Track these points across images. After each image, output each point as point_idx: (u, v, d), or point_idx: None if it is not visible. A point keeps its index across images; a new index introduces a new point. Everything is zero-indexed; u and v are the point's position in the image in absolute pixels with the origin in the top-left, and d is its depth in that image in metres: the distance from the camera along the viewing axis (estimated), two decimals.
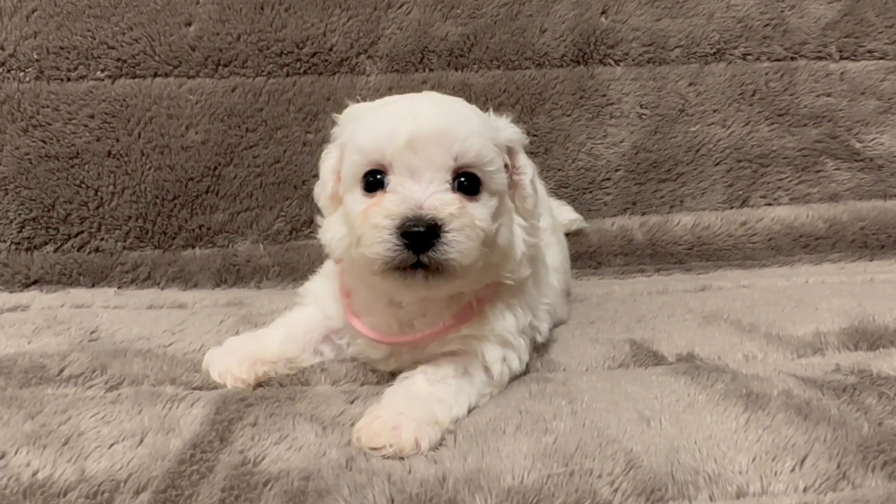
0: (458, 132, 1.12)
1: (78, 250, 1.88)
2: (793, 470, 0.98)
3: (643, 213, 2.06)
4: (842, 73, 2.11)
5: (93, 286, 1.86)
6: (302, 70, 1.95)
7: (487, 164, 1.15)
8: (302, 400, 1.19)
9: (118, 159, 1.89)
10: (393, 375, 1.24)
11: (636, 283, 1.89)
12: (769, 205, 2.09)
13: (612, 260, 2.00)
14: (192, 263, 1.91)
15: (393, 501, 0.92)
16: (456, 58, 2.00)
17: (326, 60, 1.96)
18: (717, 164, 2.08)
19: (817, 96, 2.11)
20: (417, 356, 1.24)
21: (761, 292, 1.72)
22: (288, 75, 1.95)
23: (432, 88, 1.98)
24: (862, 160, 2.12)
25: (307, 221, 1.96)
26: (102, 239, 1.89)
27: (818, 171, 2.12)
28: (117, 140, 1.88)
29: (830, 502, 0.92)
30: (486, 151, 1.14)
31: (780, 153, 2.10)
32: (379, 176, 1.14)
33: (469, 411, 1.15)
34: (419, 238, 1.05)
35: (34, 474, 0.96)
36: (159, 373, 1.28)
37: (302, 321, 1.36)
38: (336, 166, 1.24)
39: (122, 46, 1.88)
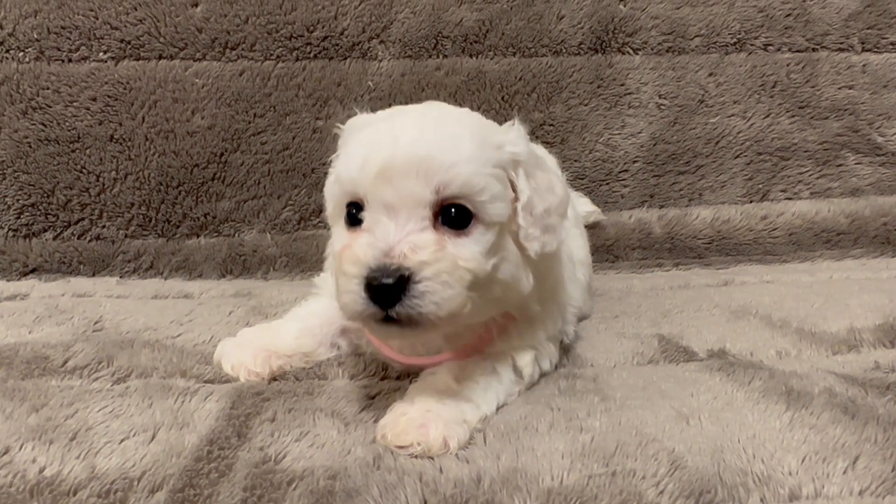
0: (441, 160, 0.98)
1: (78, 238, 1.82)
2: (845, 472, 0.93)
3: (661, 206, 2.00)
4: (864, 66, 2.06)
5: (93, 275, 1.80)
6: (312, 54, 1.89)
7: (479, 194, 1.00)
8: (320, 395, 1.13)
9: (121, 144, 1.82)
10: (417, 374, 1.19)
11: (656, 277, 1.84)
12: (789, 199, 2.04)
13: (630, 254, 1.94)
14: (197, 253, 1.85)
15: (426, 502, 0.86)
16: (471, 44, 1.94)
17: (337, 45, 1.89)
18: (737, 156, 2.03)
19: (839, 88, 2.05)
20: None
21: (787, 287, 1.67)
22: (297, 59, 1.88)
23: (446, 75, 1.93)
24: (884, 154, 2.07)
25: (316, 210, 1.90)
26: (104, 226, 1.82)
27: (839, 166, 2.06)
28: (120, 124, 1.81)
29: None
30: (478, 179, 1.00)
31: (800, 146, 2.05)
32: (356, 210, 1.02)
33: (497, 410, 1.10)
34: (384, 292, 0.93)
35: (41, 471, 0.90)
36: (169, 365, 1.22)
37: (318, 313, 1.30)
38: None
39: (125, 27, 1.81)
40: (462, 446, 0.98)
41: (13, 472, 0.89)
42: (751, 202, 2.03)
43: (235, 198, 1.87)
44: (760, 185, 2.04)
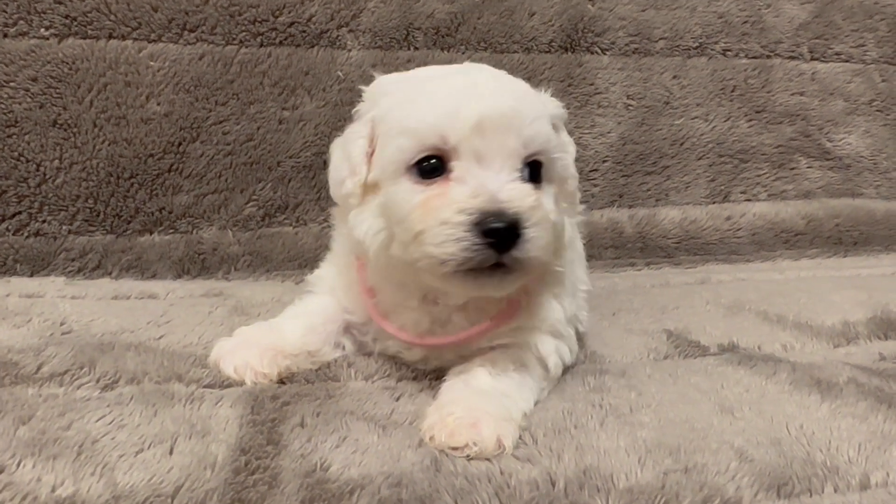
0: (526, 114, 0.99)
1: (14, 234, 1.62)
2: None
3: (630, 206, 2.00)
4: (813, 74, 2.15)
5: (32, 275, 1.60)
6: (277, 41, 1.77)
7: (553, 151, 1.04)
8: (342, 398, 1.04)
9: (65, 130, 1.64)
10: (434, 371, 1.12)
11: (633, 276, 1.84)
12: (748, 200, 2.09)
13: (604, 253, 1.93)
14: (151, 251, 1.69)
15: None
16: (442, 37, 1.88)
17: (304, 32, 1.79)
18: (700, 158, 2.06)
19: (791, 95, 2.13)
20: (461, 353, 1.10)
21: (767, 285, 1.70)
22: (262, 45, 1.76)
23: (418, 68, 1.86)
24: (832, 159, 2.16)
25: (281, 207, 1.78)
26: (45, 221, 1.63)
27: (792, 169, 2.14)
28: (64, 108, 1.63)
29: None
30: (552, 136, 1.04)
31: (758, 149, 2.11)
32: (435, 161, 0.98)
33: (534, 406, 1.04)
34: (502, 235, 0.92)
35: (53, 490, 0.77)
36: (160, 369, 1.09)
37: (319, 311, 1.20)
38: (368, 149, 1.05)
39: (71, 2, 1.63)
40: (515, 445, 0.92)
41: (19, 495, 0.75)
42: (713, 203, 2.06)
43: (194, 191, 1.72)
44: (722, 187, 2.08)
